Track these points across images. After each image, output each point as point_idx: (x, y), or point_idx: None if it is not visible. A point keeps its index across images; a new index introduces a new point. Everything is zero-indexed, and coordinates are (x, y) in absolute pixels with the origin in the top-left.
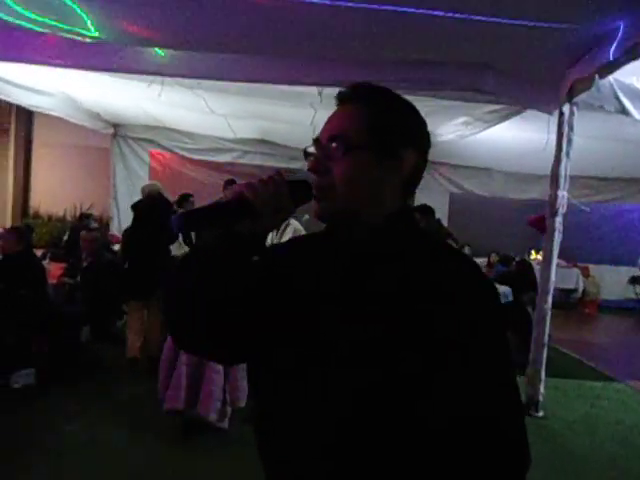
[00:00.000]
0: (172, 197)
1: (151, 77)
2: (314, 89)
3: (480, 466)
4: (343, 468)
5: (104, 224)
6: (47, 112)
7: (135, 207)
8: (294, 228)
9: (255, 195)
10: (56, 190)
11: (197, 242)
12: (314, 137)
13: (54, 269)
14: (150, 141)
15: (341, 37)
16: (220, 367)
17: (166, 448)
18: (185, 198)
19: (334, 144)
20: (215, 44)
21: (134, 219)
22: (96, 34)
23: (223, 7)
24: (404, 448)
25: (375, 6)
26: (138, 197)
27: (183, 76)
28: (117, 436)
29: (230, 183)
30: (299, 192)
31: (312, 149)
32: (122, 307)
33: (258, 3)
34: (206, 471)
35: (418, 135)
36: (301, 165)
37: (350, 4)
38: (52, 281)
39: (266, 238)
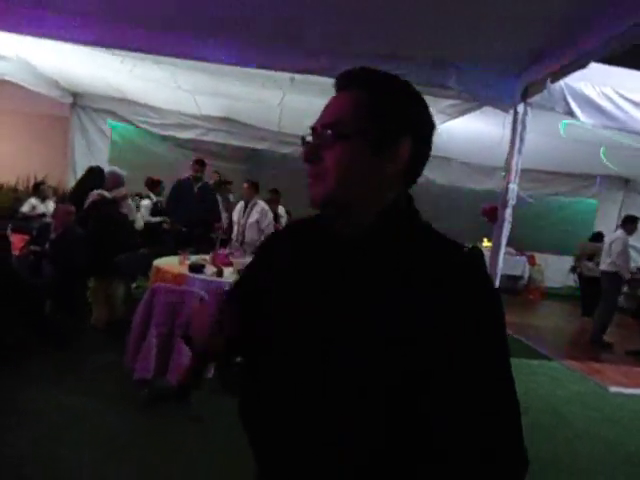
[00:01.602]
0: (132, 172)
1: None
2: (285, 73)
3: (478, 465)
4: (344, 464)
5: (59, 196)
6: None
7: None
8: (261, 207)
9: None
10: (8, 159)
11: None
12: (312, 125)
13: (16, 241)
14: (112, 113)
15: (314, 27)
16: None
17: (136, 414)
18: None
19: (327, 132)
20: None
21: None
22: None
23: None
24: (405, 445)
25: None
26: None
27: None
28: (85, 403)
29: (198, 162)
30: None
31: (310, 137)
32: (87, 281)
33: None
34: (176, 435)
35: (416, 122)
36: (265, 146)
37: None
38: (15, 252)
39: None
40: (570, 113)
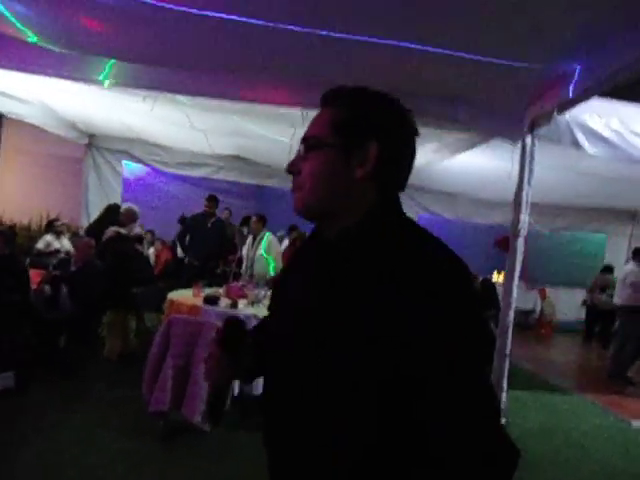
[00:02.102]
0: (145, 210)
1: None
2: (297, 110)
3: (479, 466)
4: (338, 466)
5: (72, 234)
6: (22, 119)
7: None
8: (268, 240)
9: (210, 380)
10: (22, 198)
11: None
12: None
13: (33, 276)
14: (125, 152)
15: (324, 64)
16: None
17: (150, 448)
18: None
19: (302, 145)
20: (203, 63)
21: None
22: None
23: (213, 28)
24: (398, 448)
25: (358, 37)
26: None
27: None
28: (101, 436)
29: (211, 199)
30: (233, 342)
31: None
32: (102, 314)
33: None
34: (190, 470)
35: (382, 126)
36: (274, 182)
37: (332, 34)
38: (32, 286)
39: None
40: (577, 145)
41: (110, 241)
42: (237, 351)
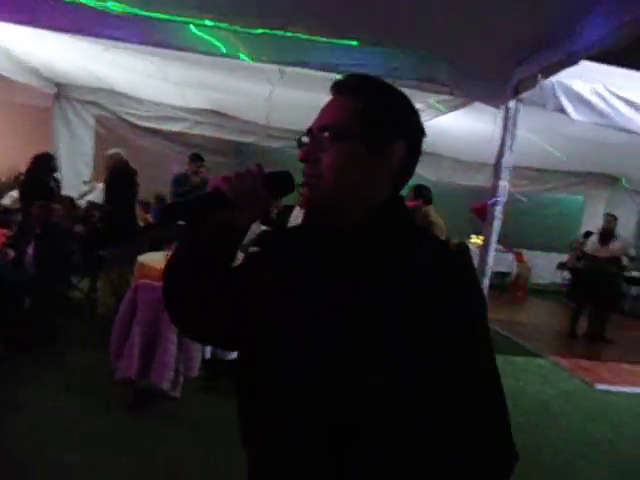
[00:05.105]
0: None
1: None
2: (273, 66)
3: (461, 461)
4: (328, 458)
5: None
6: None
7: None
8: None
9: (230, 188)
10: None
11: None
12: (308, 127)
13: None
14: (97, 104)
15: (302, 18)
16: (174, 337)
17: (118, 415)
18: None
19: (324, 134)
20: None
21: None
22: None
23: None
24: (388, 439)
25: None
26: (83, 162)
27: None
28: (69, 403)
29: (195, 158)
30: (278, 184)
31: (306, 138)
32: (70, 278)
33: None
34: (158, 437)
35: (409, 127)
36: (253, 139)
37: None
38: None
39: (246, 229)
40: (561, 110)
41: (116, 163)
42: (276, 198)
